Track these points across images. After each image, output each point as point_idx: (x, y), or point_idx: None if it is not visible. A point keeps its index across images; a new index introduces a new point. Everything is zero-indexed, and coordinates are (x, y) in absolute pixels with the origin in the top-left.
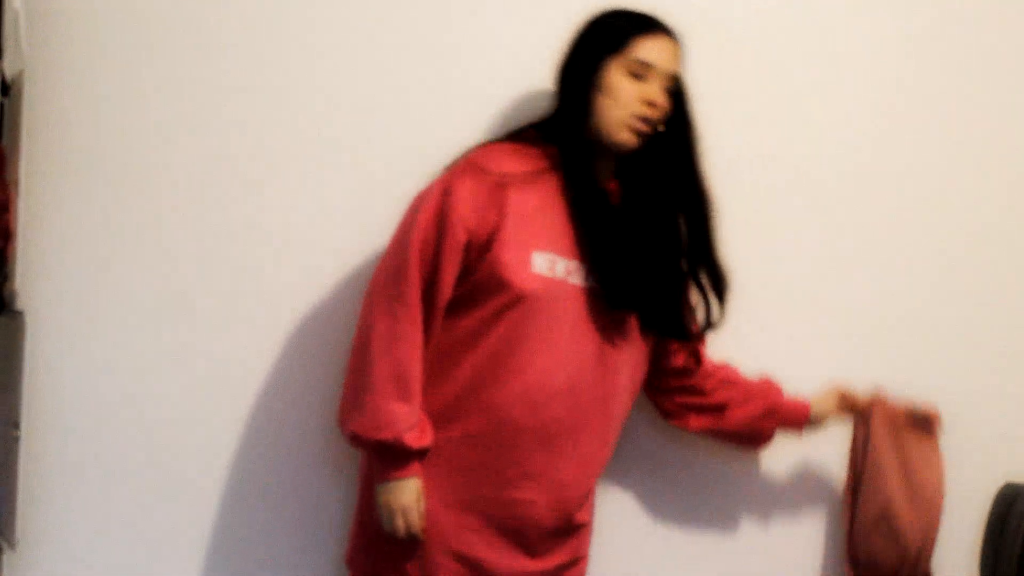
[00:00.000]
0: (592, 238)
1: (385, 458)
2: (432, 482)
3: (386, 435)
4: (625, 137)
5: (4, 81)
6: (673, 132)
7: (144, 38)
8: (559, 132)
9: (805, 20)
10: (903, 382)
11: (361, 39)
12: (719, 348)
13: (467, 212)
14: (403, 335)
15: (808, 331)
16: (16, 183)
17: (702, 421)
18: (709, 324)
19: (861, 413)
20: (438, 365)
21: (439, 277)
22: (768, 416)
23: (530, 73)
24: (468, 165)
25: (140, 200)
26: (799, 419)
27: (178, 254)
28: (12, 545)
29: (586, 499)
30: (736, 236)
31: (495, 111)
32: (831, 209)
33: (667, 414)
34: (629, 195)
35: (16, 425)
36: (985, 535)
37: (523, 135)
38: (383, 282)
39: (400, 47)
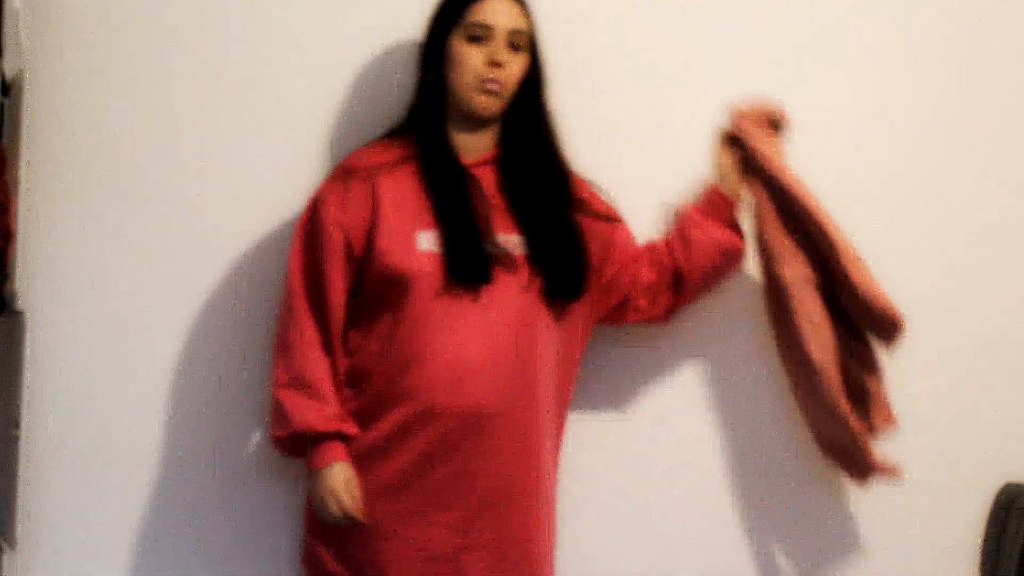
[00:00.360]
0: (441, 209)
1: (303, 451)
2: (371, 475)
3: (296, 427)
4: (480, 101)
5: (4, 81)
6: (527, 86)
7: (144, 38)
8: (413, 115)
9: (804, 21)
10: (903, 382)
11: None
12: (719, 348)
13: (338, 212)
14: (296, 342)
15: None
16: (16, 183)
17: (690, 286)
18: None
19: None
20: (361, 369)
21: (327, 282)
22: (705, 229)
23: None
24: (335, 170)
25: (140, 200)
26: (720, 201)
27: (178, 254)
28: (12, 545)
29: (529, 479)
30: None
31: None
32: (832, 205)
33: (668, 312)
34: (504, 160)
35: (16, 425)
36: (985, 535)
37: (395, 131)
38: (282, 299)
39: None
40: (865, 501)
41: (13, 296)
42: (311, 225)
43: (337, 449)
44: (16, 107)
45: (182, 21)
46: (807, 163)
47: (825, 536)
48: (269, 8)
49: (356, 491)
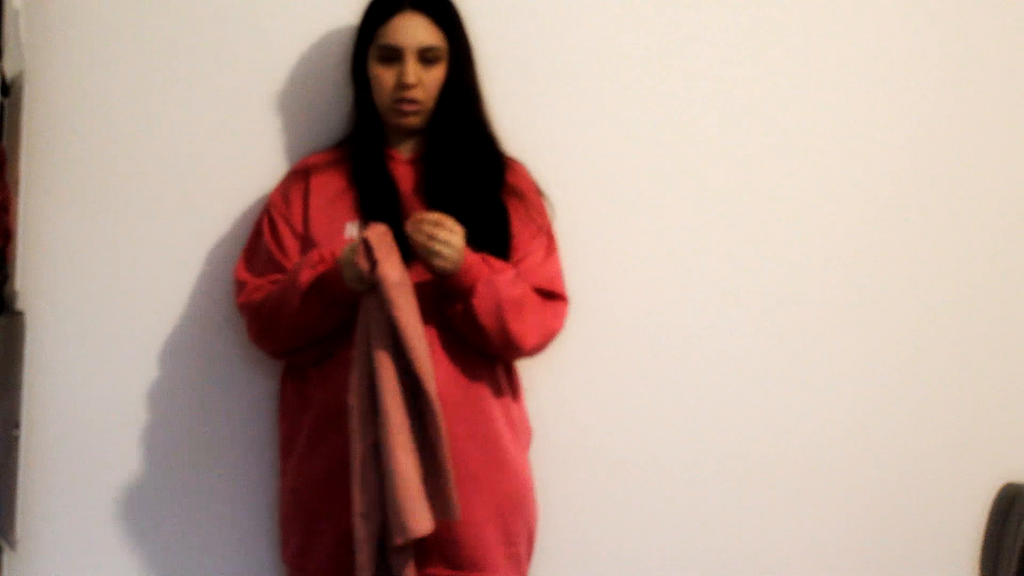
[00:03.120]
0: (363, 199)
1: (326, 294)
2: (304, 464)
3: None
4: (399, 121)
5: (4, 81)
6: (451, 90)
7: (144, 38)
8: (353, 125)
9: (801, 23)
10: (903, 382)
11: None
12: (717, 347)
13: (280, 203)
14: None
15: (807, 330)
16: (16, 183)
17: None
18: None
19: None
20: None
21: (279, 250)
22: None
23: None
24: (285, 175)
25: (140, 200)
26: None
27: (178, 254)
28: (12, 545)
29: (485, 461)
30: (735, 236)
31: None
32: (832, 207)
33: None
34: (428, 156)
35: (16, 425)
36: (985, 535)
37: (343, 140)
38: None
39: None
40: (865, 501)
41: (13, 296)
42: (267, 219)
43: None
44: (16, 107)
45: (182, 21)
46: (793, 163)
47: (825, 536)
48: (269, 9)
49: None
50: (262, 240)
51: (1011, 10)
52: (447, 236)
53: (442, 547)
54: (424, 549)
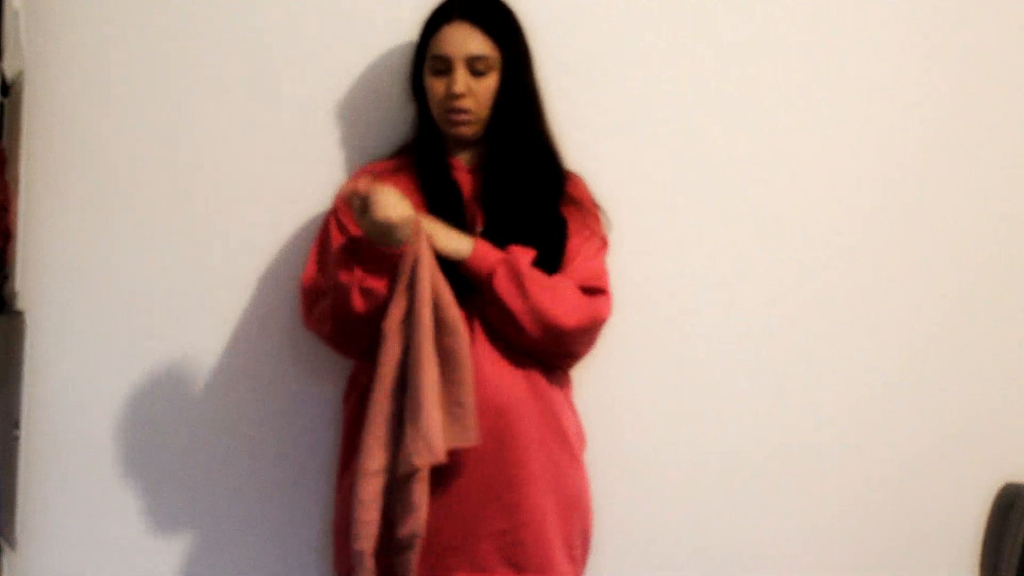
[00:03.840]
0: (429, 204)
1: (354, 257)
2: None
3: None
4: (453, 132)
5: (4, 81)
6: (506, 100)
7: (144, 38)
8: (416, 135)
9: (801, 24)
10: (903, 382)
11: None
12: (714, 349)
13: (346, 206)
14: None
15: (807, 331)
16: (16, 183)
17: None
18: None
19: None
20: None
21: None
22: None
23: None
24: (350, 178)
25: (140, 200)
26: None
27: (178, 254)
28: (12, 545)
29: (521, 468)
30: (736, 236)
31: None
32: (834, 204)
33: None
34: (488, 165)
35: (16, 425)
36: (985, 535)
37: (404, 148)
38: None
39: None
40: (865, 501)
41: (13, 296)
42: (331, 220)
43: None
44: (16, 107)
45: (182, 21)
46: (805, 164)
47: (825, 535)
48: (269, 9)
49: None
50: (330, 242)
51: (1017, 9)
52: (375, 215)
53: (506, 550)
54: (485, 553)
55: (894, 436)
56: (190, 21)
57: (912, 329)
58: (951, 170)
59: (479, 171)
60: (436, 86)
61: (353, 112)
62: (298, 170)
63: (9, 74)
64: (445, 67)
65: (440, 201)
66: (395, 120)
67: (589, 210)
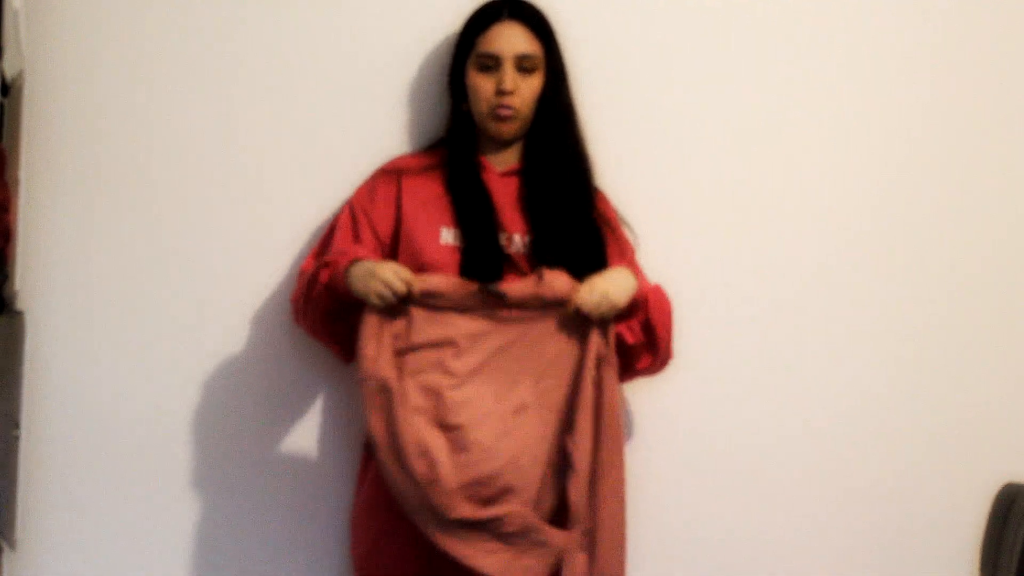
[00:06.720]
0: (460, 210)
1: (326, 280)
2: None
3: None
4: (495, 128)
5: (4, 81)
6: (548, 102)
7: (144, 38)
8: (448, 133)
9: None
10: (903, 382)
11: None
12: (714, 349)
13: (365, 199)
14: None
15: (807, 331)
16: (16, 183)
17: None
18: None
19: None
20: None
21: (358, 235)
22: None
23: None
24: (372, 173)
25: (140, 200)
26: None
27: (178, 254)
28: (12, 545)
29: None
30: (736, 236)
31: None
32: (835, 204)
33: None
34: (526, 170)
35: (16, 425)
36: (985, 535)
37: (435, 144)
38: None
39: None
40: (865, 501)
41: (13, 296)
42: (350, 215)
43: (358, 251)
44: (16, 107)
45: (182, 21)
46: (811, 164)
47: (825, 535)
48: (269, 8)
49: (403, 272)
50: (336, 234)
51: (1017, 9)
52: (599, 298)
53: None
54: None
55: (894, 436)
56: (190, 21)
57: (913, 329)
58: (954, 172)
59: (513, 175)
60: (483, 83)
61: (353, 112)
62: (299, 170)
63: (9, 74)
64: (494, 64)
65: (471, 204)
66: (396, 120)
67: (616, 229)
